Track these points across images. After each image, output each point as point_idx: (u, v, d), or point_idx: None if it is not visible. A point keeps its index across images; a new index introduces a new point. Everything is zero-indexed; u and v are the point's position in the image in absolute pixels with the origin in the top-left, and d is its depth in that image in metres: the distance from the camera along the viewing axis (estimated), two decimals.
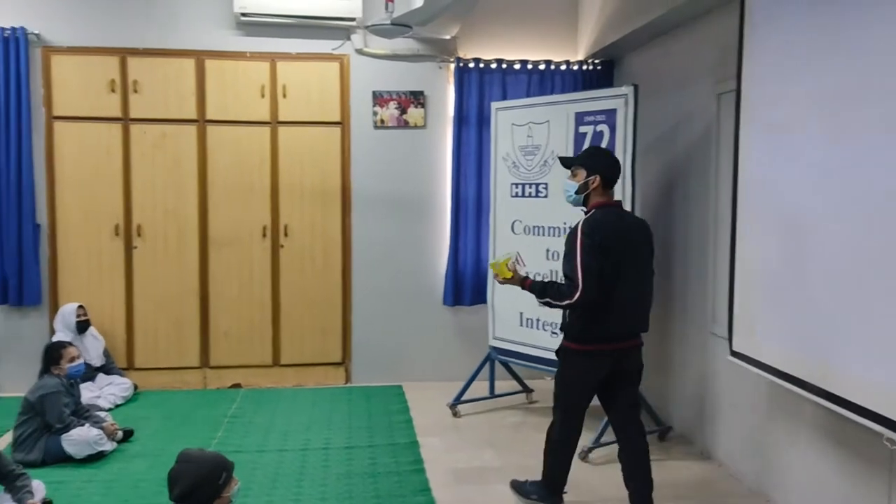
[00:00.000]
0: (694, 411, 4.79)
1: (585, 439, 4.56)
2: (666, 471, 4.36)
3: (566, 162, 3.67)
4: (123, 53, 5.75)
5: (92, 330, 5.60)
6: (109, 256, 5.82)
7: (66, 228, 5.76)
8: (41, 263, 5.71)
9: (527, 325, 5.18)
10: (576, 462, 4.37)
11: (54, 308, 5.71)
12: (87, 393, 5.19)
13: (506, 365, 5.57)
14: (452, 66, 6.04)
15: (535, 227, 5.15)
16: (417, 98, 6.06)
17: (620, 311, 3.43)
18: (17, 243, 5.59)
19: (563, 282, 3.43)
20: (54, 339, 5.37)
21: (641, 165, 5.25)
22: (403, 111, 6.06)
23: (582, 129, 4.83)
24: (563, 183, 3.65)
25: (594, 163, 3.54)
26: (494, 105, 5.52)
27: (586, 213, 3.53)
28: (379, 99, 6.02)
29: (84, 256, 5.79)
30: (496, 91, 6.01)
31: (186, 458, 2.66)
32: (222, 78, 5.86)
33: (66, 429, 4.33)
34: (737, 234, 3.76)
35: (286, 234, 5.98)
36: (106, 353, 5.66)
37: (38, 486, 3.62)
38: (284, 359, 6.06)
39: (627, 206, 4.56)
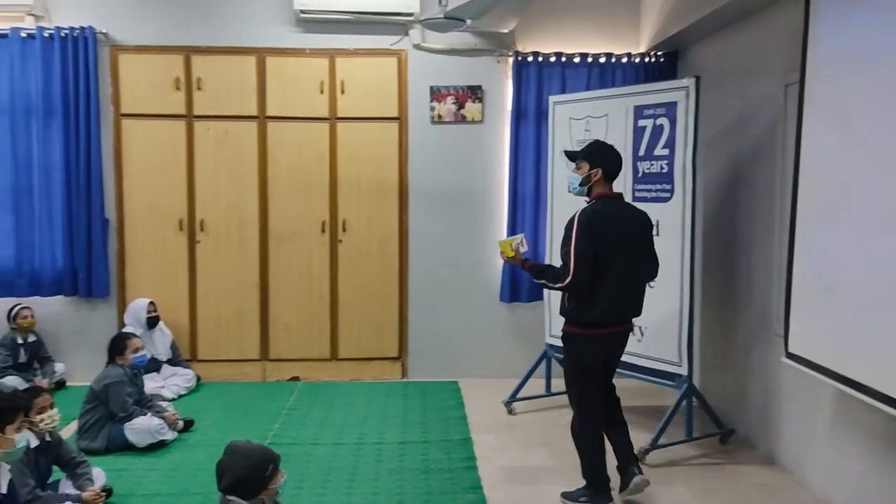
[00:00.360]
0: (757, 414, 4.62)
1: (641, 441, 4.48)
2: (728, 475, 4.23)
3: (571, 155, 3.87)
4: (188, 52, 5.87)
5: (161, 325, 5.76)
6: (174, 250, 5.97)
7: (133, 223, 5.94)
8: (109, 257, 5.89)
9: None
10: None
11: (122, 300, 5.91)
12: (152, 383, 5.34)
13: (562, 363, 5.48)
14: (510, 59, 5.97)
15: None
16: (475, 93, 6.02)
17: (615, 296, 3.62)
18: (87, 237, 5.78)
19: (559, 265, 3.64)
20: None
21: (704, 160, 5.11)
22: (461, 106, 6.02)
23: (641, 122, 4.71)
24: (568, 175, 3.90)
25: (597, 157, 3.72)
26: (552, 99, 5.44)
27: (588, 202, 3.72)
28: (436, 94, 6.01)
29: (150, 250, 5.96)
30: (555, 85, 5.92)
31: (234, 450, 2.69)
32: (282, 75, 5.93)
33: (129, 418, 4.46)
34: (796, 230, 3.61)
35: (344, 229, 6.03)
36: (173, 347, 5.82)
37: (99, 474, 3.73)
38: (342, 353, 6.12)
39: (688, 201, 4.46)
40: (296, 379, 6.06)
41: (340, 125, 5.98)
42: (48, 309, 5.83)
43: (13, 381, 5.24)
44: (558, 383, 5.50)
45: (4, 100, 5.68)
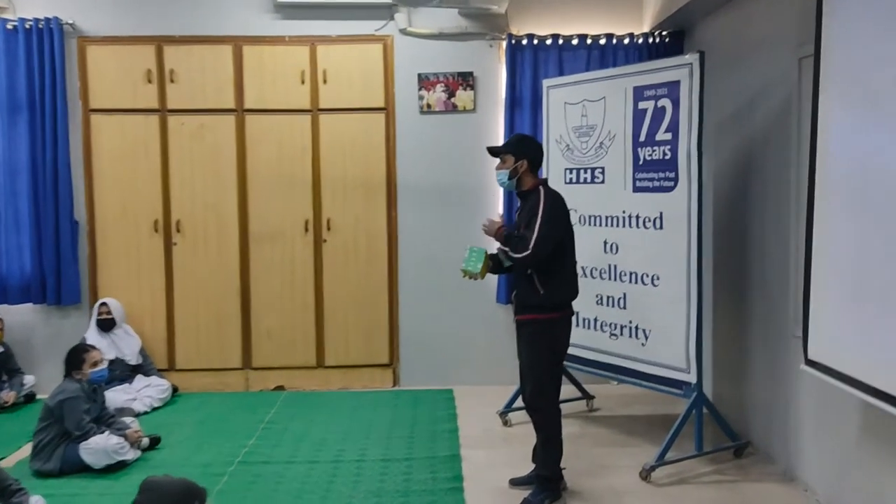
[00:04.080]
0: (775, 425, 4.19)
1: (647, 455, 4.08)
2: (742, 493, 3.81)
3: (494, 151, 3.89)
4: (159, 42, 5.54)
5: (126, 327, 5.45)
6: (149, 253, 5.64)
7: (105, 225, 5.61)
8: (80, 262, 5.57)
9: (584, 326, 4.68)
10: (637, 482, 3.93)
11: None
12: (123, 395, 5.05)
13: (564, 369, 5.07)
14: (504, 43, 5.57)
15: (592, 216, 4.64)
16: (466, 80, 5.62)
17: (573, 277, 3.79)
18: (55, 241, 5.46)
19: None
20: (87, 336, 5.24)
21: (713, 146, 4.69)
22: (451, 94, 5.63)
23: (641, 104, 4.29)
24: (495, 173, 3.85)
25: (520, 148, 3.78)
26: (546, 82, 5.02)
27: (526, 191, 3.73)
28: (425, 82, 5.62)
29: (123, 254, 5.62)
30: (552, 69, 5.50)
31: (150, 487, 2.33)
32: (261, 64, 5.58)
33: (85, 436, 4.10)
34: (814, 219, 3.19)
35: (329, 228, 5.66)
36: (143, 353, 5.47)
37: (37, 502, 3.38)
38: (329, 360, 5.75)
39: (694, 191, 4.06)
40: (280, 388, 5.70)
41: (323, 117, 5.61)
42: (16, 318, 5.52)
43: None
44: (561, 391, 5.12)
45: None
